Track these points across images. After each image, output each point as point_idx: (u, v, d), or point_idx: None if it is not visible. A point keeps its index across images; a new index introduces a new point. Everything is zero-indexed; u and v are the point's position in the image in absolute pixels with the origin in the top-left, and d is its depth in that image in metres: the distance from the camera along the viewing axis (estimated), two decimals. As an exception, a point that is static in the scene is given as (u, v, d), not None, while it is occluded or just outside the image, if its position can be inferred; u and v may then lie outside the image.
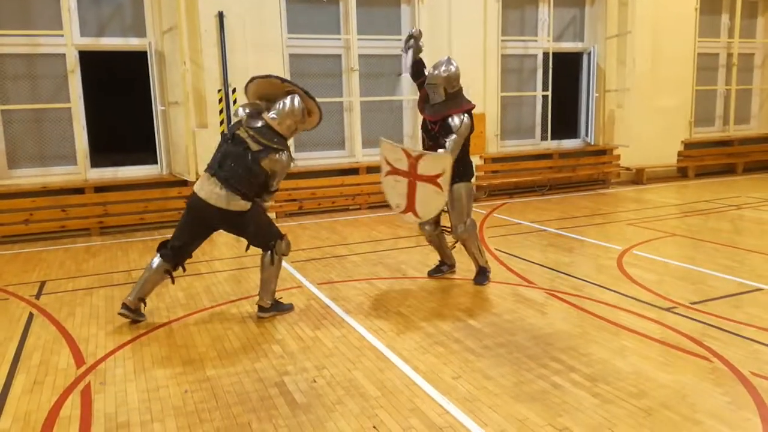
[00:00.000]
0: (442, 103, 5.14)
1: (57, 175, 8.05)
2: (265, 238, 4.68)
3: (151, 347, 4.20)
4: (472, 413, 3.19)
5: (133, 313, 4.63)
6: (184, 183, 8.27)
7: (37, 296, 5.45)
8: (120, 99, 12.57)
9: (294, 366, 3.84)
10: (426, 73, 5.33)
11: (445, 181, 4.83)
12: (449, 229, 5.44)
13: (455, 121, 5.05)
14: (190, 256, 4.79)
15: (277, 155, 4.50)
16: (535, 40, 10.52)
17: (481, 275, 5.46)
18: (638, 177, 11.22)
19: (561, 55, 10.74)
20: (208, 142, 8.33)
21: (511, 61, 10.40)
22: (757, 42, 12.39)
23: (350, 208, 9.34)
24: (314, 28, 8.99)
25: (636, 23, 10.48)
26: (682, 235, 7.13)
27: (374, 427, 3.09)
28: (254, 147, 4.48)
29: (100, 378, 3.74)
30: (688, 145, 11.87)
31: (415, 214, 5.08)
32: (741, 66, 12.17)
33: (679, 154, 11.81)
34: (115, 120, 12.43)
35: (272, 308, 4.76)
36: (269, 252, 4.66)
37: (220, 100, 8.33)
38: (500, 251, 6.55)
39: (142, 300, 4.69)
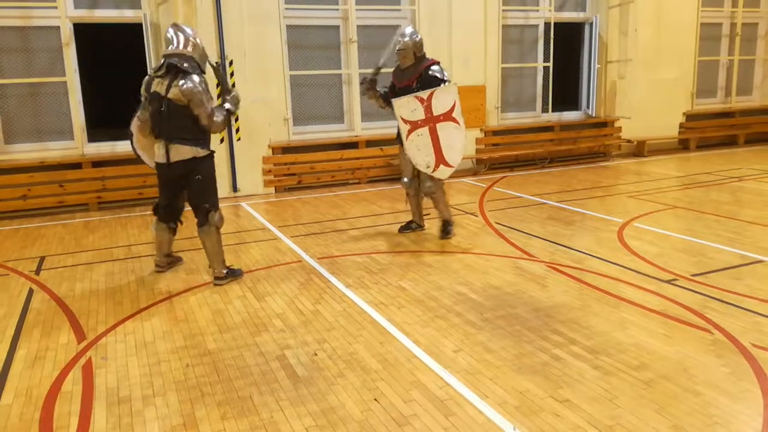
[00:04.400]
0: (412, 66, 5.74)
1: (54, 150, 7.98)
2: (204, 197, 4.83)
3: (152, 322, 4.21)
4: (473, 385, 3.20)
5: (167, 266, 5.26)
6: (183, 157, 8.20)
7: (37, 272, 5.44)
8: (116, 72, 12.42)
9: (295, 340, 3.84)
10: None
11: (458, 113, 5.47)
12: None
13: (434, 68, 5.65)
14: (183, 208, 5.14)
15: (181, 82, 4.55)
16: (537, 10, 10.36)
17: (445, 229, 6.03)
18: (639, 149, 11.15)
19: (562, 26, 10.59)
20: (206, 116, 8.26)
21: (511, 31, 10.26)
22: (761, 11, 12.21)
23: (350, 182, 9.30)
24: (312, -1, 8.86)
25: (639, -8, 10.33)
26: (683, 207, 7.11)
27: (375, 399, 3.10)
28: (162, 88, 4.62)
29: (102, 353, 3.75)
30: (690, 117, 11.78)
31: (446, 163, 5.56)
32: (744, 36, 12.01)
33: (681, 126, 11.72)
34: (111, 94, 12.31)
35: (227, 276, 4.95)
36: (202, 218, 4.83)
37: (217, 73, 8.22)
38: (500, 224, 6.54)
39: (168, 255, 5.26)
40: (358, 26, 9.09)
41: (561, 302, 4.30)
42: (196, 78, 4.58)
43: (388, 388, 3.20)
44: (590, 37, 10.73)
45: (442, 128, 5.48)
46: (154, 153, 4.87)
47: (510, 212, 7.12)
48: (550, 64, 10.43)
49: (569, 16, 10.72)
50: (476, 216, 6.99)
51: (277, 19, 8.50)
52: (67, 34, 7.77)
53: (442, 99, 5.46)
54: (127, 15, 8.09)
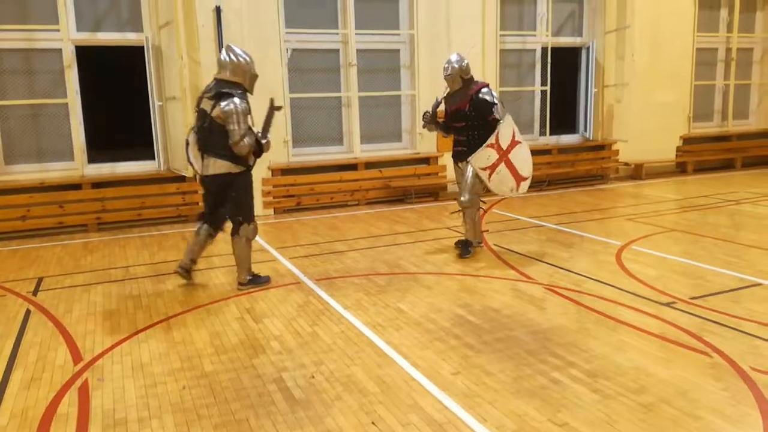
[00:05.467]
0: (461, 89, 6.05)
1: (54, 171, 8.01)
2: (239, 211, 5.17)
3: (149, 343, 4.19)
4: (472, 409, 3.18)
5: (187, 273, 5.42)
6: (182, 179, 8.24)
7: (35, 293, 5.42)
8: (117, 94, 12.53)
9: (292, 362, 3.82)
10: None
11: (518, 135, 5.95)
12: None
13: (484, 91, 5.94)
14: (225, 219, 5.35)
15: (222, 103, 4.86)
16: (534, 35, 10.49)
17: (464, 247, 6.17)
18: (637, 172, 11.21)
19: (559, 50, 10.72)
20: (206, 138, 8.30)
21: (509, 56, 10.38)
22: (756, 36, 12.37)
23: (349, 203, 9.32)
24: (312, 23, 8.95)
25: (635, 18, 10.46)
26: (681, 230, 7.12)
27: (373, 422, 3.08)
28: (208, 107, 4.96)
29: (98, 374, 3.72)
30: (687, 141, 11.86)
31: (523, 179, 6.00)
32: (740, 61, 12.15)
33: (678, 149, 11.79)
34: (112, 115, 12.40)
35: (249, 282, 5.33)
36: (235, 228, 5.18)
37: (218, 96, 8.28)
38: (499, 246, 6.54)
39: (194, 261, 5.45)
40: (357, 50, 9.19)
41: (559, 325, 4.29)
42: (237, 100, 4.89)
43: (385, 411, 3.18)
44: (587, 61, 10.86)
45: (513, 155, 5.91)
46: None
47: (508, 234, 7.13)
48: (548, 88, 10.53)
49: (566, 41, 10.85)
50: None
51: (278, 42, 8.60)
52: (69, 57, 7.84)
53: (505, 133, 5.88)
54: (129, 38, 8.18)
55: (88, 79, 8.59)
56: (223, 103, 4.86)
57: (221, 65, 5.05)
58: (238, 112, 4.86)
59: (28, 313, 4.89)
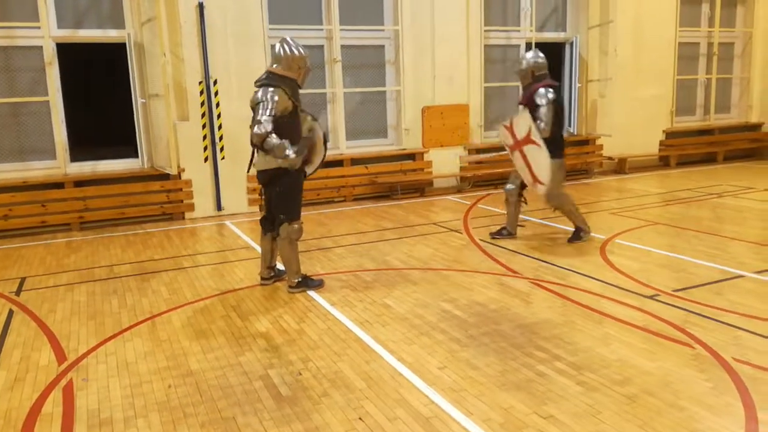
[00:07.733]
0: (528, 85, 6.23)
1: (36, 170, 7.92)
2: (279, 208, 4.99)
3: (134, 342, 4.16)
4: (458, 403, 3.19)
5: (270, 279, 5.32)
6: (166, 176, 8.18)
7: (17, 293, 5.37)
8: (99, 92, 12.41)
9: (279, 359, 3.82)
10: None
11: (536, 136, 5.80)
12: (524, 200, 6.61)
13: (540, 92, 6.02)
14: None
15: (260, 93, 4.76)
16: (518, 30, 10.52)
17: (575, 234, 6.39)
18: (620, 166, 11.29)
19: (543, 45, 10.72)
20: (190, 135, 8.26)
21: (493, 51, 10.40)
22: (737, 31, 12.49)
23: (335, 200, 9.31)
24: (296, 19, 8.91)
25: (618, 13, 10.53)
26: (664, 223, 7.19)
27: (360, 418, 3.09)
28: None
29: (83, 374, 3.69)
30: (670, 135, 11.97)
31: (539, 181, 5.94)
32: (721, 55, 12.28)
33: (661, 143, 11.90)
34: (94, 113, 12.28)
35: (299, 285, 5.10)
36: (277, 229, 5.01)
37: (201, 92, 8.24)
38: (484, 241, 6.57)
39: (271, 268, 5.31)
40: (342, 46, 9.16)
41: (545, 318, 4.32)
42: (269, 89, 4.76)
43: (372, 407, 3.19)
44: (571, 56, 10.91)
45: (528, 151, 5.93)
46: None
47: (494, 229, 7.15)
48: (532, 83, 10.55)
49: (550, 36, 10.90)
50: (461, 233, 7.02)
51: (262, 38, 8.55)
52: (50, 54, 7.75)
53: (520, 122, 5.96)
54: (111, 34, 8.09)
55: (69, 77, 8.49)
56: (260, 93, 4.75)
57: (275, 58, 4.91)
58: (261, 100, 4.69)
59: (10, 313, 4.84)
